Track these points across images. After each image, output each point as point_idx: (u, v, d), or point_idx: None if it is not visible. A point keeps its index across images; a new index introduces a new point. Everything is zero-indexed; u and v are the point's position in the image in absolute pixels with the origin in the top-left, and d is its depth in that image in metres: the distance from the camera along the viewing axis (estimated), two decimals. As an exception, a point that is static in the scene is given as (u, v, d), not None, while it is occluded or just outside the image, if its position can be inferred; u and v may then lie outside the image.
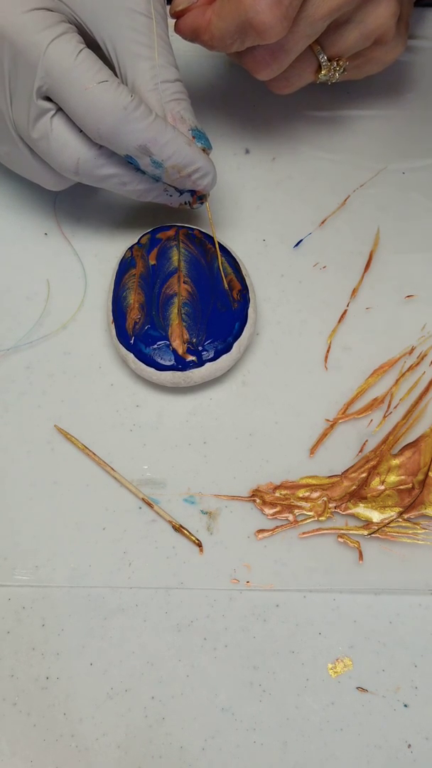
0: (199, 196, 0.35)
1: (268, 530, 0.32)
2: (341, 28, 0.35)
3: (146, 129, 0.31)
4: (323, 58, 0.36)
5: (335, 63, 0.37)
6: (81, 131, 0.32)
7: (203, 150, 0.33)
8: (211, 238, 0.36)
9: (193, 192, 0.35)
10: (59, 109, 0.32)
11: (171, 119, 0.32)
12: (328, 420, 0.34)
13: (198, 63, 0.42)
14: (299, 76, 0.37)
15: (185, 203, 0.35)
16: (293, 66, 0.36)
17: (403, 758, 0.29)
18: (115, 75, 0.32)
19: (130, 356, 0.34)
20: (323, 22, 0.33)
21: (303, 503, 0.33)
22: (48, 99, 0.31)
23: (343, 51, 0.36)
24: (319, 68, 0.37)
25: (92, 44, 0.32)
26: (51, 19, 0.31)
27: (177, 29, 0.34)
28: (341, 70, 0.37)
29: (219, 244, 0.36)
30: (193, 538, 0.32)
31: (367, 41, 0.36)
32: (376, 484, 0.33)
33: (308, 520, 0.32)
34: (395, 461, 0.33)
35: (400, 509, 0.32)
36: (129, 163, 0.33)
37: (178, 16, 0.34)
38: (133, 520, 0.32)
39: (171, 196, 0.35)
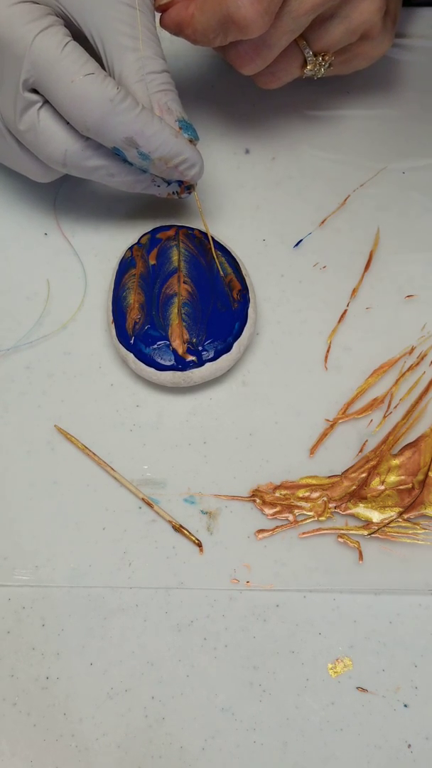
0: (187, 186, 0.35)
1: (268, 530, 0.32)
2: (326, 23, 0.35)
3: (132, 121, 0.31)
4: (309, 53, 0.36)
5: (321, 58, 0.37)
6: (68, 123, 0.32)
7: (190, 141, 0.33)
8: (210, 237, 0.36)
9: (180, 182, 0.35)
10: (46, 101, 0.32)
11: (158, 110, 0.33)
12: (328, 420, 0.34)
13: (198, 63, 0.42)
14: (285, 70, 0.37)
15: (173, 193, 0.35)
16: (279, 61, 0.36)
17: (403, 758, 0.29)
18: (103, 67, 0.32)
19: (130, 356, 0.34)
20: (307, 18, 0.33)
21: (303, 503, 0.33)
22: (35, 91, 0.32)
23: (329, 46, 0.36)
24: (305, 63, 0.37)
25: (79, 37, 0.32)
26: (37, 12, 0.31)
27: (162, 23, 0.34)
28: (327, 65, 0.37)
29: (219, 243, 0.36)
30: (193, 538, 0.32)
31: (353, 36, 0.36)
32: (376, 484, 0.33)
33: (308, 520, 0.32)
34: (395, 461, 0.33)
35: (400, 509, 0.32)
36: (116, 154, 0.33)
37: (162, 10, 0.34)
38: (133, 520, 0.32)
39: (159, 186, 0.35)
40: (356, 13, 0.35)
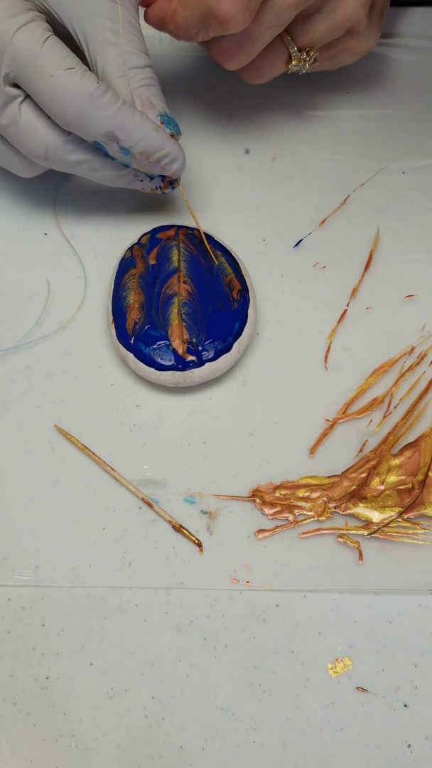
0: (170, 181, 0.35)
1: (268, 530, 0.32)
2: (311, 19, 0.35)
3: (112, 116, 0.31)
4: (293, 48, 0.36)
5: (305, 53, 0.37)
6: (49, 118, 0.32)
7: (172, 135, 0.33)
8: (210, 237, 0.36)
9: (163, 177, 0.35)
10: (27, 96, 0.32)
11: (140, 105, 0.33)
12: (328, 420, 0.34)
13: (198, 63, 0.42)
14: (270, 66, 0.37)
15: (156, 188, 0.36)
16: (263, 56, 0.36)
17: (403, 758, 0.29)
18: (86, 63, 0.32)
19: (130, 356, 0.34)
20: (290, 13, 0.33)
21: (303, 503, 0.33)
22: (16, 86, 0.32)
23: (314, 41, 0.36)
24: (290, 58, 0.37)
25: (63, 32, 0.32)
26: (18, 6, 0.31)
27: (145, 18, 0.34)
28: (311, 61, 0.37)
29: (219, 243, 0.36)
30: (193, 538, 0.32)
31: (338, 32, 0.36)
32: (376, 484, 0.33)
33: (308, 520, 0.32)
34: (395, 461, 0.33)
35: (400, 509, 0.32)
36: (97, 149, 0.33)
37: (146, 4, 0.34)
38: (133, 520, 0.32)
39: (142, 181, 0.35)
40: (341, 9, 0.35)
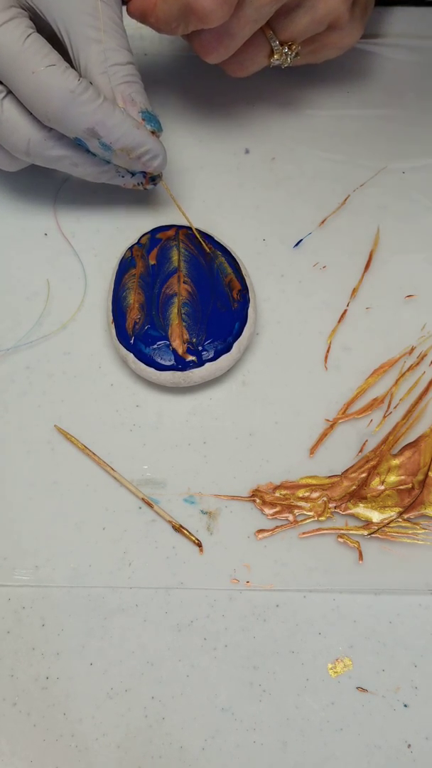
0: (151, 177, 0.36)
1: (268, 530, 0.32)
2: (292, 14, 0.35)
3: (93, 112, 0.31)
4: (275, 42, 0.36)
5: (287, 48, 0.37)
6: (31, 113, 0.32)
7: (153, 132, 0.34)
8: (210, 237, 0.36)
9: (144, 173, 0.35)
10: (9, 92, 0.32)
11: (121, 102, 0.33)
12: (328, 420, 0.34)
13: (198, 62, 0.42)
14: (252, 60, 0.37)
15: (138, 184, 0.36)
16: (245, 50, 0.36)
17: (403, 758, 0.29)
18: (69, 59, 0.33)
19: (130, 356, 0.34)
20: (269, 8, 0.33)
21: (303, 503, 0.33)
22: None
23: (295, 36, 0.36)
24: (272, 52, 0.37)
25: (46, 29, 0.33)
26: (1, 4, 0.31)
27: (128, 11, 0.34)
28: (293, 55, 0.37)
29: (219, 243, 0.36)
30: (193, 538, 0.32)
31: (320, 26, 0.36)
32: (376, 484, 0.33)
33: (308, 520, 0.32)
34: (395, 461, 0.33)
35: (400, 509, 0.32)
36: (79, 145, 0.33)
37: None
38: (133, 520, 0.32)
39: (123, 177, 0.35)
40: (322, 4, 0.35)
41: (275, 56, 0.37)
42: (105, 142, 0.32)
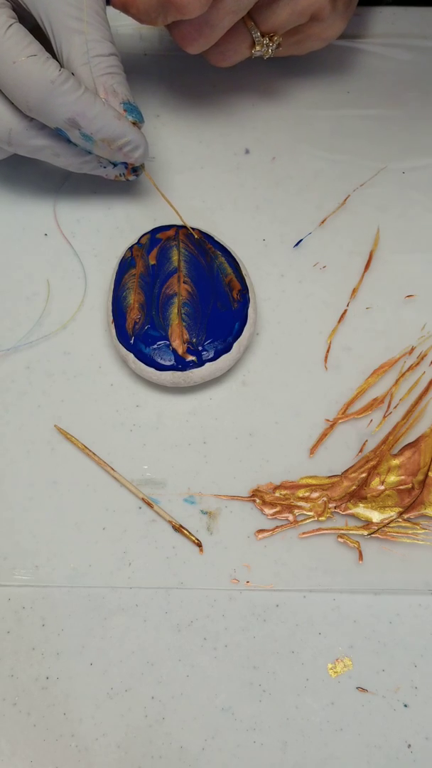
0: (133, 168, 0.36)
1: (268, 530, 0.32)
2: (273, 5, 0.36)
3: (74, 103, 0.31)
4: (256, 33, 0.36)
5: (268, 39, 0.37)
6: (12, 103, 0.32)
7: (134, 123, 0.34)
8: (210, 237, 0.36)
9: (127, 164, 0.36)
10: None
11: (103, 93, 0.33)
12: (328, 420, 0.34)
13: (198, 62, 0.42)
14: (234, 50, 0.37)
15: (120, 175, 0.36)
16: (228, 40, 0.36)
17: (403, 758, 0.29)
18: (51, 50, 0.33)
19: (130, 356, 0.34)
20: None
21: (303, 503, 0.33)
22: None
23: (277, 27, 0.37)
24: (254, 43, 0.37)
25: (29, 19, 0.33)
26: None
27: (111, 2, 0.35)
28: (275, 46, 0.38)
29: (219, 243, 0.36)
30: (193, 538, 0.32)
31: (301, 18, 0.36)
32: (376, 484, 0.33)
33: (308, 520, 0.32)
34: (395, 461, 0.33)
35: (400, 509, 0.32)
36: (60, 135, 0.33)
37: None
38: (133, 520, 0.32)
39: (105, 167, 0.36)
40: None
41: (256, 47, 0.37)
42: (86, 132, 0.32)
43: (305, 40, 0.39)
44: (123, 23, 0.43)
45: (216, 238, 0.36)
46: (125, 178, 0.36)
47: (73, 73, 0.32)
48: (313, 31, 0.38)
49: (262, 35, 0.37)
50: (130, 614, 0.31)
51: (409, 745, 0.29)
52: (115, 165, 0.36)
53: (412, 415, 0.34)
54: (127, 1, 0.34)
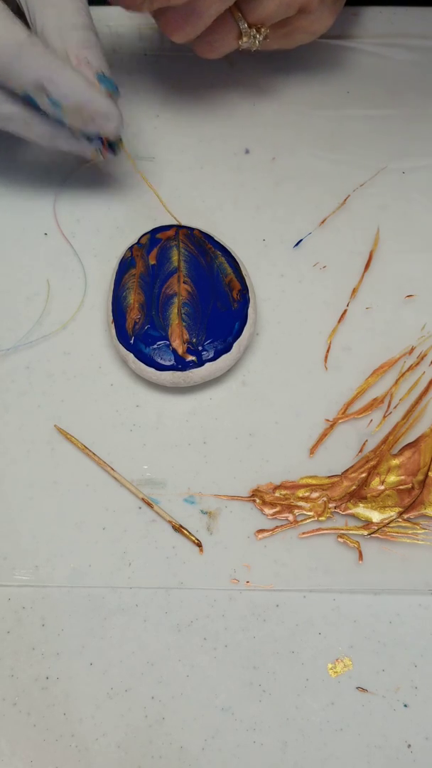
0: (110, 144, 0.35)
1: (268, 530, 0.32)
2: None
3: (41, 66, 0.31)
4: (243, 24, 0.36)
5: (255, 30, 0.37)
6: None
7: (110, 95, 0.33)
8: (210, 237, 0.36)
9: (102, 140, 0.35)
10: None
11: (75, 63, 0.33)
12: (328, 420, 0.34)
13: (198, 63, 0.42)
14: (221, 41, 0.37)
15: (97, 151, 0.35)
16: (214, 30, 0.36)
17: (403, 758, 0.29)
18: (26, 22, 0.32)
19: (130, 356, 0.34)
20: None
21: (303, 503, 0.33)
22: None
23: (264, 19, 0.36)
24: (241, 35, 0.37)
25: None
26: None
27: None
28: (261, 38, 0.37)
29: (219, 243, 0.36)
30: (193, 538, 0.32)
31: (289, 9, 0.36)
32: (376, 484, 0.33)
33: (308, 520, 0.32)
34: (395, 461, 0.33)
35: (400, 509, 0.32)
36: (29, 102, 0.33)
37: None
38: (133, 520, 0.32)
39: (80, 141, 0.35)
40: None
41: (243, 39, 0.37)
42: (54, 98, 0.32)
43: (293, 33, 0.39)
44: (123, 23, 0.43)
45: (216, 238, 0.36)
46: (102, 156, 0.35)
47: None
48: (301, 24, 0.38)
49: (249, 26, 0.37)
50: (130, 614, 0.31)
51: (409, 745, 0.29)
52: (90, 141, 0.35)
53: (412, 415, 0.34)
54: None
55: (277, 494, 0.33)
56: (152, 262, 0.35)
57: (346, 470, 0.33)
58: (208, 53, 0.38)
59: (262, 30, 0.37)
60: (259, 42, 0.37)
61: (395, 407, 0.35)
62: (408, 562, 0.32)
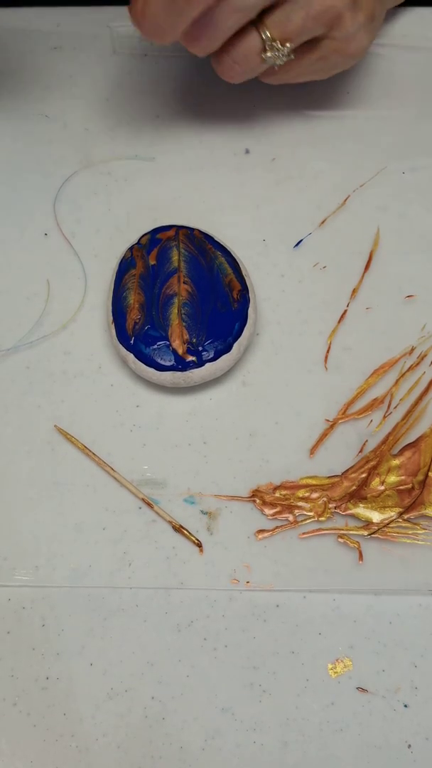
0: None
1: (268, 530, 0.32)
2: (286, 9, 0.34)
3: None
4: (266, 36, 0.35)
5: (280, 44, 0.35)
6: None
7: None
8: (210, 237, 0.36)
9: None
10: None
11: None
12: (328, 420, 0.34)
13: (199, 63, 0.42)
14: (245, 58, 0.36)
15: None
16: (236, 45, 0.35)
17: (403, 758, 0.29)
18: None
19: (130, 356, 0.34)
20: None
21: (303, 503, 0.33)
22: None
23: (290, 33, 0.35)
24: (264, 49, 0.35)
25: None
26: None
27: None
28: (287, 54, 0.36)
29: (219, 243, 0.36)
30: (193, 539, 0.32)
31: (316, 24, 0.35)
32: (376, 484, 0.33)
33: (308, 521, 0.32)
34: (395, 461, 0.33)
35: (400, 509, 0.32)
36: None
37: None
38: (133, 520, 0.32)
39: None
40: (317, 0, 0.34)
41: (268, 53, 0.35)
42: None
43: (329, 57, 0.37)
44: (123, 23, 0.43)
45: (216, 238, 0.36)
46: None
47: None
48: (335, 45, 0.37)
49: (273, 40, 0.35)
50: (130, 614, 0.31)
51: (409, 745, 0.29)
52: None
53: (412, 415, 0.34)
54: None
55: (277, 494, 0.33)
56: (152, 262, 0.35)
57: (346, 470, 0.33)
58: (231, 72, 0.36)
59: (289, 45, 0.36)
60: (283, 56, 0.36)
61: (395, 407, 0.35)
62: (408, 562, 0.32)
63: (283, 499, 0.33)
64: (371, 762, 0.29)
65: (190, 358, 0.33)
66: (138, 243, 0.36)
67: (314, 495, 0.33)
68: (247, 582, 0.31)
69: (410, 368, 0.36)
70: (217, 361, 0.33)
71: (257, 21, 0.35)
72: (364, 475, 0.33)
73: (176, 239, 0.36)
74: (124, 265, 0.36)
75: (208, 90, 0.43)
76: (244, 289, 0.35)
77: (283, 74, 0.38)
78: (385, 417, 0.34)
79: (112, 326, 0.34)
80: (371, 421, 0.34)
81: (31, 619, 0.31)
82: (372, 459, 0.33)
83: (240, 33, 0.35)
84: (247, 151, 0.41)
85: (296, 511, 0.32)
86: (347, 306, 0.37)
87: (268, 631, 0.31)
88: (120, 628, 0.31)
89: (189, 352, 0.33)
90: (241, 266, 0.36)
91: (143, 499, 0.33)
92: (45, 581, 0.31)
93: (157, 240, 0.36)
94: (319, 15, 0.35)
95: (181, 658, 0.30)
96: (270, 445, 0.34)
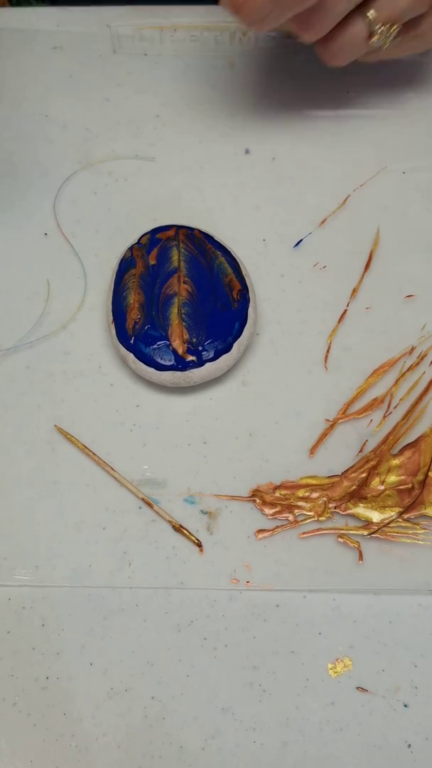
0: None
1: (268, 530, 0.32)
2: None
3: None
4: (373, 18, 0.35)
5: (385, 27, 0.35)
6: None
7: None
8: (210, 237, 0.36)
9: None
10: None
11: None
12: (328, 420, 0.34)
13: (199, 63, 0.42)
14: (351, 43, 0.35)
15: None
16: (341, 31, 0.35)
17: (403, 758, 0.29)
18: None
19: (130, 356, 0.34)
20: None
21: (303, 503, 0.33)
22: None
23: (396, 16, 0.35)
24: (371, 34, 0.35)
25: None
26: None
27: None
28: (393, 36, 0.36)
29: (219, 243, 0.36)
30: (193, 538, 0.32)
31: (423, 5, 0.35)
32: (376, 484, 0.33)
33: (308, 520, 0.32)
34: (395, 461, 0.33)
35: (400, 509, 0.32)
36: None
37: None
38: (133, 520, 0.32)
39: None
40: None
41: (374, 38, 0.35)
42: None
43: (427, 32, 0.37)
44: (123, 23, 0.43)
45: (216, 238, 0.36)
46: None
47: None
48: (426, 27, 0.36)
49: (381, 24, 0.35)
50: (130, 614, 0.31)
51: (409, 745, 0.29)
52: None
53: (412, 415, 0.34)
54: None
55: (277, 494, 0.33)
56: (152, 262, 0.35)
57: (346, 470, 0.33)
58: (337, 58, 0.36)
59: (393, 28, 0.35)
60: (389, 41, 0.36)
61: (395, 407, 0.35)
62: (408, 562, 0.32)
63: (283, 498, 0.33)
64: (371, 762, 0.29)
65: (190, 357, 0.33)
66: (138, 243, 0.36)
67: (314, 495, 0.33)
68: (247, 582, 0.31)
69: (410, 368, 0.36)
70: (217, 360, 0.33)
71: (362, 5, 0.34)
72: (364, 475, 0.33)
73: (176, 239, 0.36)
74: (124, 265, 0.36)
75: (208, 90, 0.43)
76: (244, 289, 0.35)
77: (383, 53, 0.37)
78: (385, 417, 0.34)
79: (112, 326, 0.34)
80: (371, 421, 0.34)
81: (31, 619, 0.31)
82: (372, 459, 0.33)
83: (346, 18, 0.34)
84: (247, 151, 0.41)
85: (296, 511, 0.32)
86: (347, 306, 0.37)
87: (268, 631, 0.31)
88: (120, 627, 0.31)
89: (189, 351, 0.33)
90: (241, 266, 0.36)
91: (143, 499, 0.33)
92: (45, 581, 0.31)
93: (157, 240, 0.36)
94: None
95: (181, 658, 0.30)
96: (270, 444, 0.34)
